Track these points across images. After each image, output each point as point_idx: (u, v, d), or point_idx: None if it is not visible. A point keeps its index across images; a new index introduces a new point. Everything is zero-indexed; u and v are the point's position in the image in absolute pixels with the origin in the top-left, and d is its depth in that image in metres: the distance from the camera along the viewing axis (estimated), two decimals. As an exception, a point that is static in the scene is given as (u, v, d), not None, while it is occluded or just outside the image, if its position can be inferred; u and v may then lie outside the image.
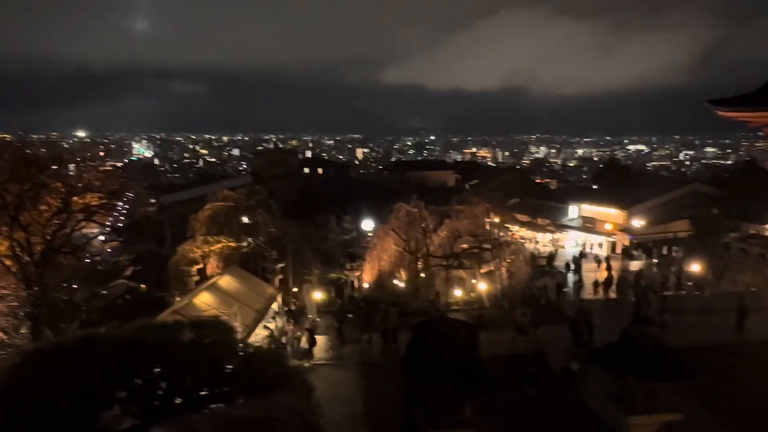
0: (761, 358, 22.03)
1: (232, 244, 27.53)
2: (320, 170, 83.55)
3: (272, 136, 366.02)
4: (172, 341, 8.22)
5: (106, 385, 7.48)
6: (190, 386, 8.30)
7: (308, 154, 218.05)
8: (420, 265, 29.72)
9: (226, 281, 23.49)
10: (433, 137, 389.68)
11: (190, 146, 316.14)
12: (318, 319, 25.96)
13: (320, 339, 23.40)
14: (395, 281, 30.46)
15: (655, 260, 47.92)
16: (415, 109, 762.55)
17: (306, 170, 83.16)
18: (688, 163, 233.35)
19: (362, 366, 21.56)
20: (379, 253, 30.16)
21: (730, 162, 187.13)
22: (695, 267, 36.92)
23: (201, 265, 26.85)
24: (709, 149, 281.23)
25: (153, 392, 7.80)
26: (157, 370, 7.87)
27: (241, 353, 10.35)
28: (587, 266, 42.09)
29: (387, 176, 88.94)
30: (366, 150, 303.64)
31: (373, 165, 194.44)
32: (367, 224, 40.28)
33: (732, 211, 51.85)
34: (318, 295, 28.17)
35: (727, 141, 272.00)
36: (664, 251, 49.94)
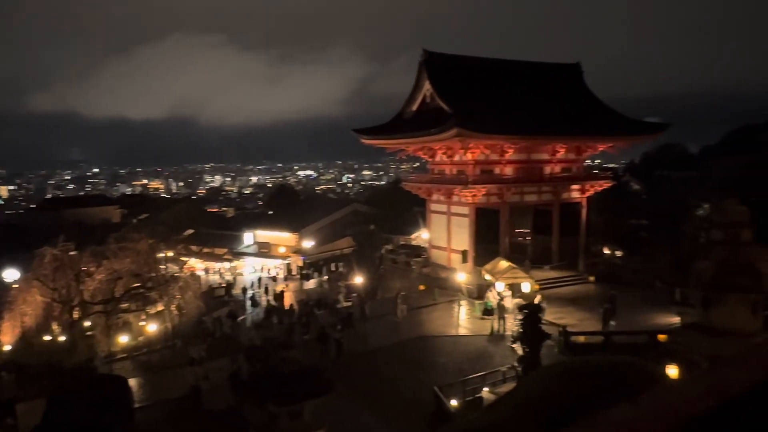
0: (411, 352, 25.17)
1: None
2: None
3: None
4: None
5: None
6: None
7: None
8: (76, 314, 26.29)
9: None
10: (96, 170, 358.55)
11: None
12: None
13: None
14: (47, 337, 26.41)
15: (325, 277, 51.56)
16: (72, 139, 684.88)
17: None
18: (350, 185, 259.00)
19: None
20: (22, 308, 25.78)
21: (383, 183, 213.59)
22: (359, 279, 40.67)
23: None
24: (366, 172, 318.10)
25: None
26: None
27: None
28: (264, 291, 42.94)
29: (39, 216, 77.79)
30: (12, 187, 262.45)
31: (23, 204, 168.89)
32: (11, 275, 34.35)
33: (385, 226, 59.04)
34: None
35: (379, 164, 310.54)
36: (333, 268, 54.11)
